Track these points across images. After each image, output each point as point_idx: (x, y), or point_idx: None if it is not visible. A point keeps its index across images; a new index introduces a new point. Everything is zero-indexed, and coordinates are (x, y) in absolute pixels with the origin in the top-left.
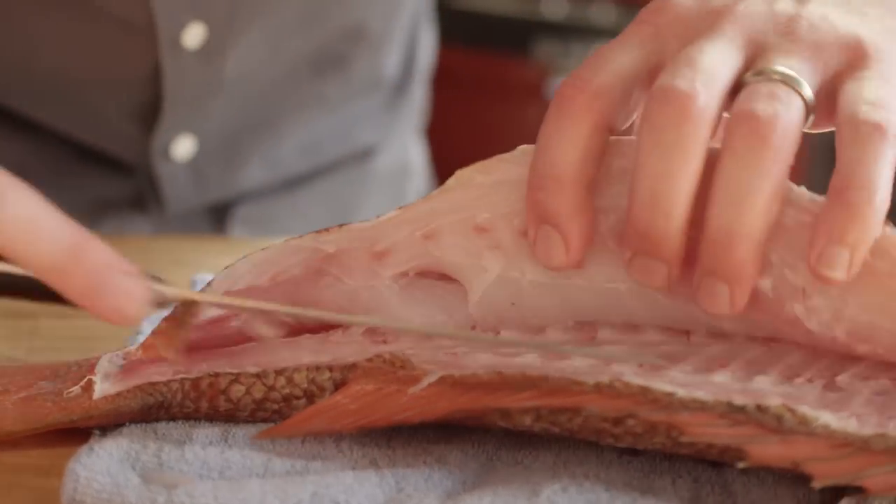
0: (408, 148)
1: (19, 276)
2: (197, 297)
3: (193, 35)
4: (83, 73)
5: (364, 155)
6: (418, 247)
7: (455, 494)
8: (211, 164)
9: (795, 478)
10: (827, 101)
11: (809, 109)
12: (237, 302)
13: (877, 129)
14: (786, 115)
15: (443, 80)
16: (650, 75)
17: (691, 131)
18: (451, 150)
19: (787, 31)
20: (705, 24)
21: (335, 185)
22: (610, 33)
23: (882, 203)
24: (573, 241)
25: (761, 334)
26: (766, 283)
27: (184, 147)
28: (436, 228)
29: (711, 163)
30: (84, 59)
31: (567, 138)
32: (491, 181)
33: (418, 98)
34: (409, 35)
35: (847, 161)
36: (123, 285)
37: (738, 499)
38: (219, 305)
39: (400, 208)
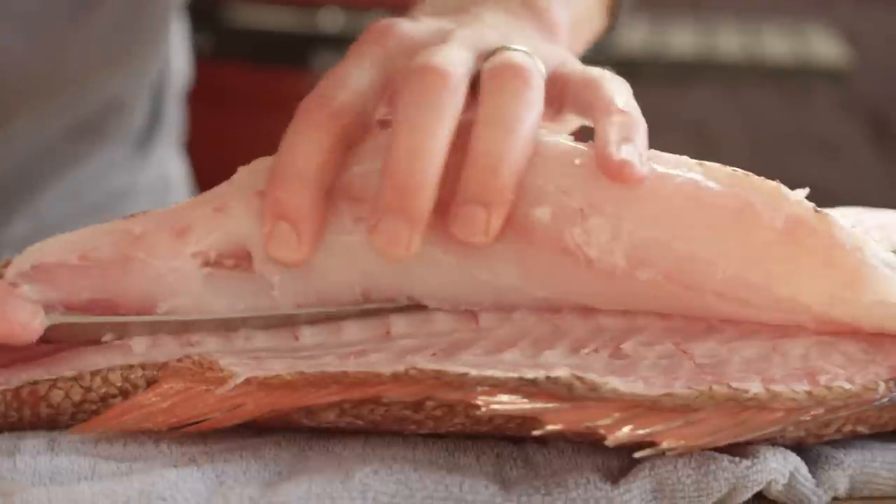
0: (166, 164)
1: None
2: (78, 319)
3: None
4: None
5: (123, 193)
6: (212, 220)
7: (273, 484)
8: None
9: (595, 449)
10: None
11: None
12: (100, 319)
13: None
14: (536, 69)
15: (221, 98)
16: (384, 90)
17: (448, 98)
18: (233, 167)
19: (505, 40)
20: (431, 41)
21: (98, 218)
22: None
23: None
24: (306, 238)
25: (543, 294)
26: (543, 212)
27: None
28: (225, 202)
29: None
30: None
31: (311, 143)
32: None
33: (173, 117)
34: (156, 85)
35: (603, 94)
36: (14, 309)
37: (539, 470)
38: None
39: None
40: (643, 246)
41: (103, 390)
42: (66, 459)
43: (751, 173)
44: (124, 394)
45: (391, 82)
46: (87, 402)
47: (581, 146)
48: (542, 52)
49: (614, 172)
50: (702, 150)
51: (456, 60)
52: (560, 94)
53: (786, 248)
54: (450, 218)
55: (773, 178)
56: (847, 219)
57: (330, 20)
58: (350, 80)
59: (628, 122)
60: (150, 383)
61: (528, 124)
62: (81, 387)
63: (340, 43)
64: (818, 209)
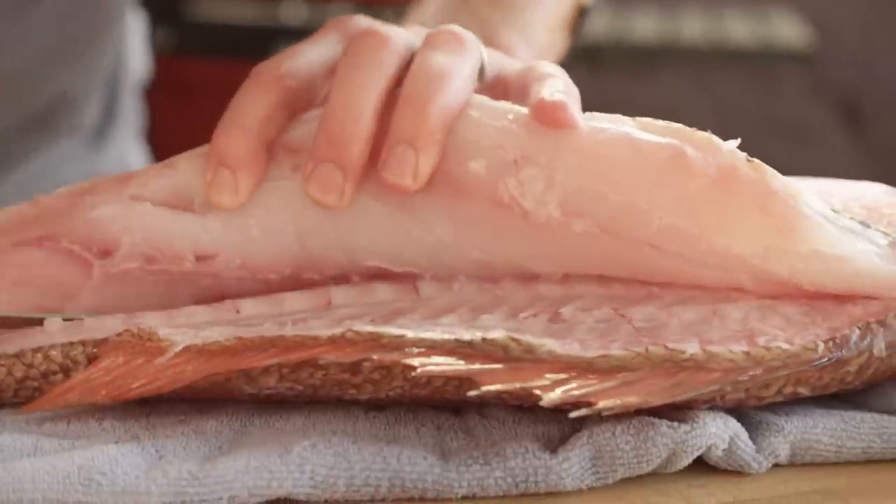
0: (125, 156)
1: None
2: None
3: None
4: None
5: None
6: (158, 171)
7: (213, 458)
8: None
9: (535, 418)
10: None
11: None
12: None
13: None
14: (473, 38)
15: (185, 92)
16: (333, 69)
17: (386, 57)
18: None
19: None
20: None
21: None
22: None
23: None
24: (244, 183)
25: (478, 254)
26: (478, 164)
27: None
28: (173, 161)
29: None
30: None
31: (256, 99)
32: None
33: (131, 112)
34: (110, 81)
35: (538, 71)
36: None
37: (480, 441)
38: None
39: None
40: (577, 196)
41: (44, 367)
42: (10, 437)
43: (683, 126)
44: (65, 371)
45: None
46: (29, 378)
47: (515, 105)
48: (488, 52)
49: (549, 114)
50: None
51: (400, 32)
52: (504, 92)
53: (719, 196)
54: (379, 163)
55: None
56: None
57: (292, 13)
58: (301, 53)
59: (562, 82)
60: (91, 359)
61: (459, 73)
62: (23, 364)
63: (303, 36)
64: (751, 158)
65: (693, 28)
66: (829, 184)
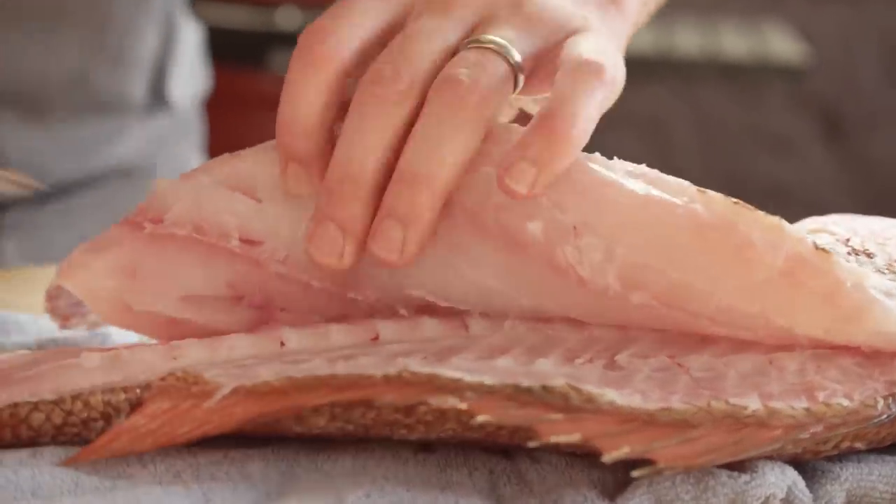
0: (189, 164)
1: None
2: None
3: None
4: None
5: (136, 171)
6: (225, 159)
7: None
8: None
9: (589, 463)
10: (545, 67)
11: (516, 73)
12: None
13: (593, 68)
14: (486, 80)
15: None
16: (391, 32)
17: (391, 111)
18: None
19: (514, 6)
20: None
21: (106, 196)
22: None
23: (579, 137)
24: (318, 178)
25: (529, 303)
26: (535, 226)
27: None
28: (242, 152)
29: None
30: None
31: (309, 85)
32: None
33: (193, 120)
34: (156, 58)
35: (560, 93)
36: None
37: (534, 487)
38: None
39: None
40: (637, 270)
41: (84, 414)
42: (49, 474)
43: (752, 207)
44: (106, 418)
45: (398, 26)
46: (69, 425)
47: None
48: (554, 16)
49: (500, 183)
50: (655, 146)
51: (415, 56)
52: (552, 73)
53: (786, 287)
54: (370, 233)
55: (726, 175)
56: (839, 226)
57: (287, 19)
58: (355, 14)
59: (548, 137)
60: (133, 405)
61: (457, 149)
62: (63, 410)
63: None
64: (819, 245)
65: (686, 40)
66: (879, 223)
